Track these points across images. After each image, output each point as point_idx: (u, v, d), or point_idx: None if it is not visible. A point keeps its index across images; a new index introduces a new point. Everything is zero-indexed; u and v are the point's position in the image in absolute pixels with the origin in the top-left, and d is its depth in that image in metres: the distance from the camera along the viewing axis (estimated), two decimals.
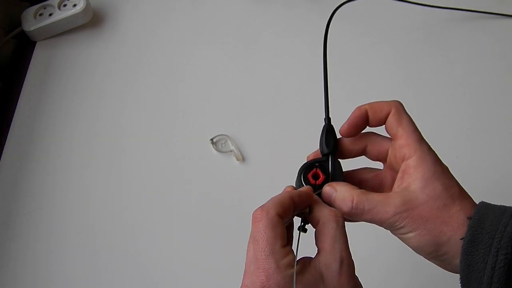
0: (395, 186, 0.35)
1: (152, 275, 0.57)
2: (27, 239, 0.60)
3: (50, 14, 0.76)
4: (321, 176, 0.37)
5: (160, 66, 0.74)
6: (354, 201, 0.35)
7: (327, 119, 0.40)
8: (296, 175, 0.39)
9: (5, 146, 0.67)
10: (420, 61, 0.73)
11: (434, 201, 0.33)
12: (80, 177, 0.64)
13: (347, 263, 0.32)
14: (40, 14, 0.76)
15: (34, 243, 0.60)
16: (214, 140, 0.66)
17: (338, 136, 0.40)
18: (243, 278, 0.33)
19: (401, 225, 0.33)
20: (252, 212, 0.33)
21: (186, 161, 0.65)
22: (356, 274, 0.34)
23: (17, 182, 0.64)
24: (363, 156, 0.40)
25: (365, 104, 0.37)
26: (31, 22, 0.75)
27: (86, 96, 0.72)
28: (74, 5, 0.76)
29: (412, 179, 0.34)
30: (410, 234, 0.33)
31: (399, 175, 0.35)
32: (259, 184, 0.62)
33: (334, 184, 0.37)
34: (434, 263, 0.35)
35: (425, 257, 0.35)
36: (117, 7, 0.81)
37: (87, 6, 0.76)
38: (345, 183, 0.37)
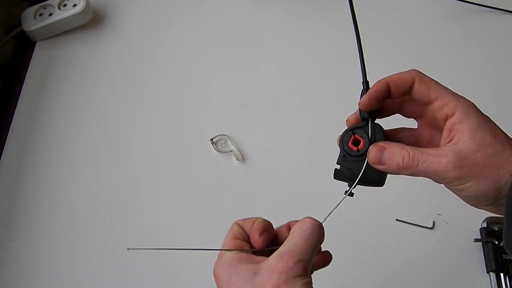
0: (443, 143, 0.35)
1: (152, 276, 0.57)
2: (27, 239, 0.60)
3: (50, 14, 0.76)
4: (362, 141, 0.37)
5: (160, 66, 0.74)
6: (410, 154, 0.34)
7: (365, 83, 0.39)
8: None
9: (5, 146, 0.67)
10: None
11: (486, 149, 0.33)
12: (80, 177, 0.64)
13: (285, 262, 0.34)
14: (40, 14, 0.76)
15: (34, 243, 0.60)
16: (214, 140, 0.66)
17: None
18: None
19: (458, 175, 0.33)
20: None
21: (186, 161, 0.65)
22: None
23: (17, 182, 0.64)
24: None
25: (385, 77, 0.37)
26: (31, 22, 0.75)
27: (86, 96, 0.72)
28: (74, 5, 0.76)
29: (460, 133, 0.34)
30: (468, 183, 0.33)
31: (445, 133, 0.35)
32: (259, 184, 0.62)
33: (380, 144, 0.36)
34: (490, 211, 0.35)
35: (482, 207, 0.35)
36: (117, 7, 0.81)
37: (87, 6, 0.76)
38: (390, 142, 0.37)
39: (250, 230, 0.39)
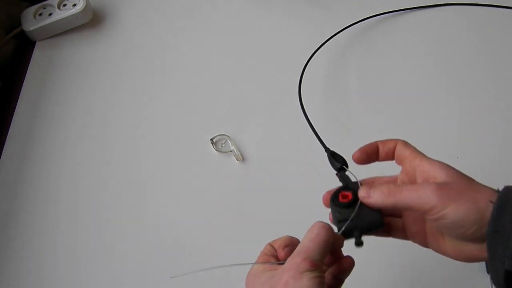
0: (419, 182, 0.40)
1: (152, 278, 0.57)
2: (27, 239, 0.60)
3: (50, 14, 0.76)
4: (349, 194, 0.41)
5: (160, 66, 0.74)
6: (392, 186, 0.39)
7: (327, 150, 0.48)
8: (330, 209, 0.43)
9: (5, 146, 0.67)
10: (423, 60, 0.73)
11: (461, 180, 0.37)
12: (80, 177, 0.64)
13: (293, 260, 0.37)
14: (40, 14, 0.76)
15: (34, 243, 0.60)
16: (214, 140, 0.66)
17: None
18: None
19: (438, 199, 0.36)
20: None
21: (186, 161, 0.65)
22: None
23: (17, 182, 0.64)
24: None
25: (375, 141, 0.44)
26: (31, 22, 0.75)
27: (86, 96, 0.72)
28: (74, 5, 0.76)
29: (433, 173, 0.39)
30: (449, 208, 0.36)
31: (419, 176, 0.40)
32: (259, 184, 0.62)
33: (365, 186, 0.41)
34: (475, 253, 0.37)
35: (466, 246, 0.38)
36: (117, 7, 0.81)
37: (87, 6, 0.76)
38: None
39: (277, 247, 0.42)
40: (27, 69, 0.74)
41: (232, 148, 0.65)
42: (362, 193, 0.40)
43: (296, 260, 0.37)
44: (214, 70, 0.73)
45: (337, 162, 0.45)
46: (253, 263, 0.41)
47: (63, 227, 0.61)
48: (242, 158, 0.64)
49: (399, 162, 0.43)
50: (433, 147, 0.64)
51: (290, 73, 0.72)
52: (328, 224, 0.40)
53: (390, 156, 0.43)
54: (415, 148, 0.42)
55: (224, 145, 0.66)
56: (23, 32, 0.76)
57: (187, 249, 0.59)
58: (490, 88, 0.69)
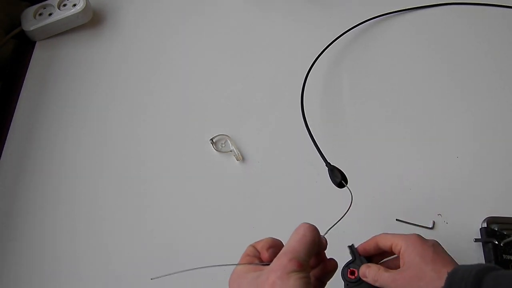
0: (401, 266, 0.47)
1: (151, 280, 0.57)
2: (27, 239, 0.60)
3: (50, 14, 0.76)
4: (355, 271, 0.50)
5: (160, 66, 0.74)
6: (375, 274, 0.47)
7: (328, 165, 0.56)
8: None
9: (5, 146, 0.67)
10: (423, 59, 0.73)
11: (413, 268, 0.45)
12: (80, 177, 0.64)
13: (280, 260, 0.38)
14: (40, 14, 0.76)
15: (34, 243, 0.60)
16: (214, 140, 0.66)
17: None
18: None
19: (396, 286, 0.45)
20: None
21: (186, 161, 0.65)
22: None
23: (17, 182, 0.64)
24: None
25: (375, 237, 0.50)
26: (31, 22, 0.75)
27: (86, 96, 0.72)
28: (74, 5, 0.76)
29: (404, 260, 0.46)
30: None
31: (401, 259, 0.47)
32: (259, 184, 0.62)
33: (367, 264, 0.49)
34: None
35: None
36: (117, 7, 0.81)
37: (87, 6, 0.76)
38: (377, 265, 0.49)
39: (261, 248, 0.43)
40: (27, 69, 0.74)
41: (232, 148, 0.65)
42: (361, 272, 0.48)
43: (282, 260, 0.38)
44: (214, 70, 0.73)
45: (336, 177, 0.54)
46: (237, 264, 0.42)
47: (62, 227, 0.61)
48: (242, 158, 0.64)
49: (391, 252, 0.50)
50: (434, 148, 0.64)
51: (290, 74, 0.72)
52: (314, 225, 0.42)
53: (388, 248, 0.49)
54: (394, 235, 0.49)
55: (224, 145, 0.66)
56: (23, 32, 0.76)
57: (187, 249, 0.59)
58: (491, 87, 0.69)
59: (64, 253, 0.59)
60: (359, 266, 0.50)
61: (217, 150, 0.65)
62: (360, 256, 0.52)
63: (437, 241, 0.48)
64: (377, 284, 0.47)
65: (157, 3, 0.81)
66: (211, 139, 0.66)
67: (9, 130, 0.68)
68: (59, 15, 0.75)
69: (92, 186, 0.64)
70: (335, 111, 0.68)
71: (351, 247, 0.52)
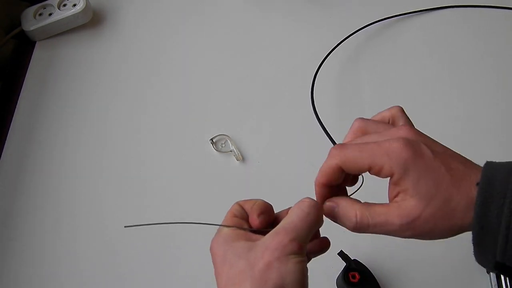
0: (390, 197, 0.35)
1: (152, 280, 0.57)
2: (27, 239, 0.60)
3: (50, 14, 0.76)
4: (355, 274, 0.50)
5: (160, 66, 0.74)
6: (358, 216, 0.35)
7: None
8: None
9: (5, 146, 0.67)
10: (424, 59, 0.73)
11: (433, 202, 0.33)
12: (80, 177, 0.64)
13: (279, 238, 0.33)
14: (40, 14, 0.76)
15: (35, 243, 0.60)
16: (214, 140, 0.66)
17: None
18: None
19: (411, 233, 0.34)
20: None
21: (186, 161, 0.65)
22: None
23: (17, 182, 0.64)
24: None
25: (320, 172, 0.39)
26: (31, 22, 0.75)
27: (86, 96, 0.72)
28: (74, 5, 0.76)
29: (404, 190, 0.34)
30: (424, 238, 0.34)
31: (390, 187, 0.35)
32: (259, 184, 0.62)
33: (335, 198, 0.38)
34: None
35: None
36: (117, 7, 0.81)
37: (87, 6, 0.76)
38: (347, 197, 0.38)
39: (250, 210, 0.39)
40: (27, 69, 0.74)
41: (232, 148, 0.65)
42: (327, 209, 0.37)
43: (282, 239, 0.33)
44: (214, 70, 0.73)
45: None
46: (224, 226, 0.37)
47: (62, 227, 0.61)
48: (242, 158, 0.64)
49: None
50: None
51: (290, 74, 0.72)
52: (319, 204, 0.37)
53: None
54: (362, 151, 0.36)
55: (224, 145, 0.66)
56: (23, 32, 0.76)
57: (187, 249, 0.59)
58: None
59: (64, 253, 0.59)
60: (357, 268, 0.50)
61: (217, 150, 0.65)
62: (353, 259, 0.52)
63: (431, 139, 0.36)
64: (360, 232, 0.36)
65: (157, 3, 0.81)
66: (211, 139, 0.66)
67: (9, 130, 0.68)
68: (59, 15, 0.75)
69: (92, 186, 0.64)
70: (342, 111, 0.68)
71: (341, 254, 0.52)
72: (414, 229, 0.33)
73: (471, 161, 0.35)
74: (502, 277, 0.53)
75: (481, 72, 0.71)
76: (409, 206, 0.33)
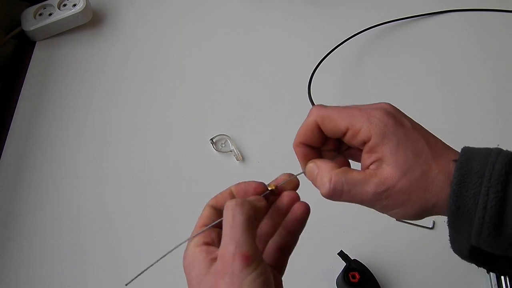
0: (366, 164, 0.34)
1: (152, 281, 0.57)
2: (27, 239, 0.60)
3: (50, 14, 0.76)
4: (355, 274, 0.51)
5: (160, 66, 0.74)
6: (332, 182, 0.33)
7: None
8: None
9: (5, 146, 0.67)
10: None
11: (411, 172, 0.31)
12: (79, 177, 0.64)
13: (223, 260, 0.30)
14: (40, 14, 0.76)
15: (34, 243, 0.60)
16: (214, 140, 0.66)
17: None
18: None
19: (384, 203, 0.32)
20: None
21: (186, 161, 0.65)
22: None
23: (17, 182, 0.64)
24: None
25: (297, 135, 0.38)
26: (31, 22, 0.75)
27: (86, 96, 0.72)
28: (74, 5, 0.76)
29: (381, 157, 0.32)
30: (395, 210, 0.33)
31: (364, 156, 0.34)
32: None
33: (317, 160, 0.36)
34: None
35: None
36: (117, 7, 0.81)
37: (87, 6, 0.76)
38: (329, 161, 0.36)
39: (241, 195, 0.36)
40: (27, 69, 0.74)
41: (232, 148, 0.65)
42: (309, 170, 0.36)
43: (226, 260, 0.30)
44: (214, 70, 0.73)
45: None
46: (190, 238, 0.34)
47: (62, 227, 0.61)
48: (242, 158, 0.64)
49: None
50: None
51: (290, 74, 0.72)
52: (240, 200, 0.32)
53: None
54: (341, 111, 0.35)
55: (224, 145, 0.66)
56: (23, 32, 0.76)
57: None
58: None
59: (64, 253, 0.59)
60: (357, 268, 0.50)
61: (217, 150, 0.65)
62: (353, 259, 0.52)
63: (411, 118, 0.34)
64: (333, 199, 0.34)
65: (157, 3, 0.81)
66: (211, 139, 0.66)
67: (9, 130, 0.68)
68: (59, 15, 0.75)
69: (92, 186, 0.64)
70: None
71: (341, 254, 0.52)
72: (387, 199, 0.32)
73: (448, 149, 0.34)
74: (502, 277, 0.53)
75: (481, 74, 0.71)
76: (384, 173, 0.32)
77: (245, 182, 0.37)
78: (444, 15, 0.78)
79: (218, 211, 0.35)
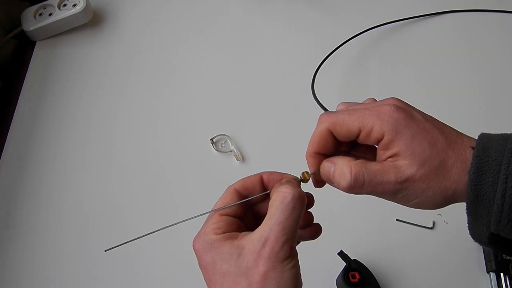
0: (382, 159, 0.34)
1: (152, 279, 0.57)
2: (27, 239, 0.60)
3: (50, 14, 0.76)
4: (355, 274, 0.51)
5: (160, 66, 0.74)
6: (353, 172, 0.33)
7: None
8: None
9: (5, 146, 0.67)
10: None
11: (429, 162, 0.32)
12: (80, 177, 0.64)
13: (271, 245, 0.31)
14: (40, 14, 0.76)
15: (35, 243, 0.60)
16: (214, 140, 0.66)
17: None
18: None
19: (404, 193, 0.33)
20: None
21: (186, 161, 0.65)
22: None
23: (17, 182, 0.64)
24: None
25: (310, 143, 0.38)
26: (31, 22, 0.75)
27: (86, 96, 0.72)
28: (74, 5, 0.76)
29: (396, 152, 0.33)
30: (416, 200, 0.33)
31: (379, 153, 0.34)
32: None
33: (332, 158, 0.36)
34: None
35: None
36: (117, 7, 0.81)
37: (87, 6, 0.76)
38: (344, 156, 0.36)
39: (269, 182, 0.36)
40: (27, 69, 0.74)
41: (232, 148, 0.65)
42: (324, 169, 0.36)
43: (274, 245, 0.31)
44: (215, 70, 0.73)
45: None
46: (213, 210, 0.35)
47: (63, 227, 0.61)
48: (242, 158, 0.64)
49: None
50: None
51: (290, 74, 0.72)
52: (304, 193, 0.34)
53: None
54: (351, 113, 0.35)
55: (224, 145, 0.66)
56: (23, 32, 0.76)
57: (187, 249, 0.59)
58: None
59: (64, 253, 0.59)
60: (357, 268, 0.50)
61: (217, 150, 0.65)
62: (353, 259, 0.52)
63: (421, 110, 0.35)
64: (353, 192, 0.34)
65: (157, 3, 0.81)
66: (211, 139, 0.66)
67: (9, 130, 0.68)
68: (59, 15, 0.75)
69: (92, 186, 0.64)
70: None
71: (341, 254, 0.52)
72: (407, 189, 0.32)
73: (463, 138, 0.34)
74: (502, 277, 0.53)
75: (483, 74, 0.71)
76: (403, 165, 0.32)
77: (279, 173, 0.38)
78: (446, 15, 0.78)
79: (241, 196, 0.36)
